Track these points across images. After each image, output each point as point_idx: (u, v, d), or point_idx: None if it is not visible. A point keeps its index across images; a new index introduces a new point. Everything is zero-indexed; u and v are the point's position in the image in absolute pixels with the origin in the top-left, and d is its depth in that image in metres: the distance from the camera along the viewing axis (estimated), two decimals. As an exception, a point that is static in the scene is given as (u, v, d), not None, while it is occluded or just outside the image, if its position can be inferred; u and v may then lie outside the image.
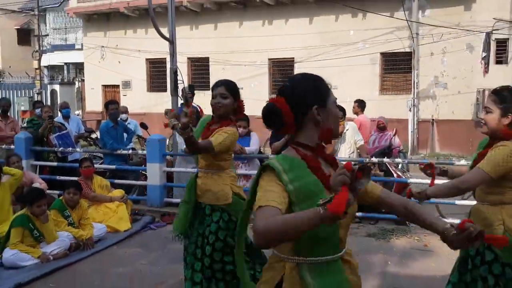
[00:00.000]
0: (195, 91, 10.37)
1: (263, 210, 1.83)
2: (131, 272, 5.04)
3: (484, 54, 15.03)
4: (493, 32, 15.10)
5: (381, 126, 9.25)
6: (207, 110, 11.96)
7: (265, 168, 2.02)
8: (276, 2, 18.05)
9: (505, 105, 3.05)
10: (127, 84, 21.93)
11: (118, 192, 6.96)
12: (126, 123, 9.34)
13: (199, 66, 20.28)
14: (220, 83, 4.01)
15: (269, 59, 18.73)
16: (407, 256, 5.34)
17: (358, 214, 6.70)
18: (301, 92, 2.12)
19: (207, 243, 3.71)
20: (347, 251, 2.11)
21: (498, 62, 15.66)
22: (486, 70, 15.05)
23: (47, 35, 29.09)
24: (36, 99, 22.93)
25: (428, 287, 4.50)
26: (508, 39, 15.43)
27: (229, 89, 3.93)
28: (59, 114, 9.43)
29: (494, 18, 15.10)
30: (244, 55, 18.64)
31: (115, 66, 21.81)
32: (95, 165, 7.34)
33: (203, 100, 12.37)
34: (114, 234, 6.31)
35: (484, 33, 14.97)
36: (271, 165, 1.99)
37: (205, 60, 19.96)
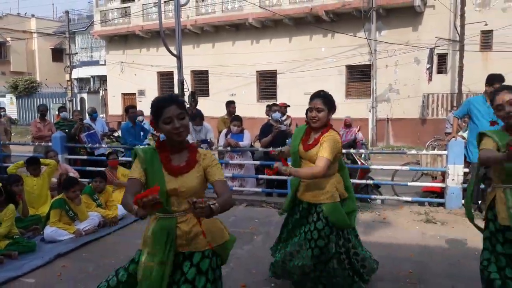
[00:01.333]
0: (198, 98, 10.32)
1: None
2: (148, 243, 5.05)
3: (428, 66, 15.14)
4: (436, 48, 15.22)
5: (347, 124, 9.33)
6: (207, 113, 11.97)
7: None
8: (262, 26, 18.04)
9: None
10: (142, 93, 21.83)
11: (131, 179, 6.92)
12: (142, 124, 9.30)
13: (200, 77, 20.21)
14: (316, 96, 3.33)
15: (256, 71, 18.72)
16: (370, 227, 5.36)
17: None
18: None
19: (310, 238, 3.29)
20: None
21: (440, 72, 15.80)
22: (430, 79, 15.16)
23: (76, 53, 28.89)
24: (67, 106, 22.88)
25: (386, 251, 4.54)
26: (447, 53, 15.57)
27: (325, 102, 3.29)
28: (88, 117, 9.36)
29: (436, 37, 15.22)
30: (236, 68, 18.63)
31: (132, 78, 21.72)
32: (119, 158, 7.31)
33: (204, 106, 12.37)
34: (134, 213, 6.29)
35: (428, 49, 15.09)
36: None
37: (205, 73, 19.91)
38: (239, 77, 18.67)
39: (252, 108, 17.98)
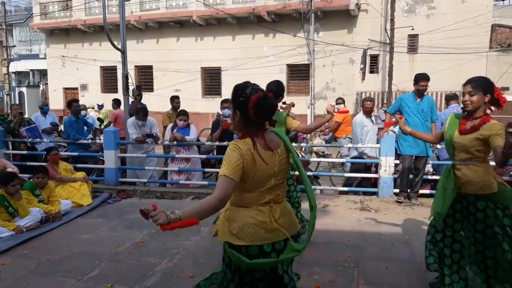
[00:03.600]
0: (142, 93, 10.01)
1: None
2: (94, 237, 4.83)
3: (361, 66, 15.69)
4: (368, 49, 15.80)
5: (289, 120, 9.45)
6: (152, 108, 11.61)
7: None
8: (206, 23, 17.82)
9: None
10: (84, 87, 20.86)
11: (81, 174, 6.61)
12: (85, 118, 8.89)
13: (145, 72, 19.61)
14: (467, 82, 3.04)
15: (201, 67, 18.49)
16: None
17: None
18: None
19: (475, 231, 3.01)
20: None
21: (372, 72, 16.43)
22: (363, 78, 15.72)
23: (14, 46, 27.04)
24: (4, 100, 21.44)
25: (326, 238, 4.65)
26: (379, 54, 16.23)
27: (476, 85, 2.97)
28: (39, 111, 8.71)
29: (369, 39, 15.81)
30: (181, 64, 18.28)
31: (74, 72, 20.67)
32: (61, 153, 6.93)
33: (148, 101, 12.03)
34: (78, 208, 5.99)
35: (362, 50, 15.64)
36: None
37: (150, 68, 19.36)
38: (184, 73, 18.35)
39: (197, 104, 17.77)
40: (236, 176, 2.02)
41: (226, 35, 17.83)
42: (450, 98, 7.31)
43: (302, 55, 16.77)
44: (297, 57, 16.76)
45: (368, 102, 6.86)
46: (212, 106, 16.75)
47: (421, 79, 5.67)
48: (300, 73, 17.28)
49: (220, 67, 17.97)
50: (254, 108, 2.09)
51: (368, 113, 6.87)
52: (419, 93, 5.79)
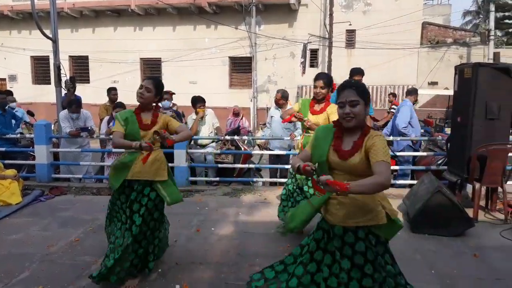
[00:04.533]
0: (76, 84, 9.54)
1: None
2: (24, 237, 4.55)
3: (302, 60, 16.02)
4: (308, 43, 16.15)
5: (236, 113, 9.47)
6: (88, 100, 11.11)
7: None
8: (145, 13, 17.30)
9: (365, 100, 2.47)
10: (13, 78, 19.50)
11: (11, 172, 6.18)
12: (14, 111, 8.32)
13: (80, 63, 18.70)
14: (318, 77, 3.86)
15: (140, 58, 17.95)
16: (253, 208, 5.52)
17: (216, 178, 6.81)
18: None
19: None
20: None
21: (312, 66, 16.81)
22: (303, 72, 16.06)
23: None
24: None
25: (266, 228, 4.71)
26: (318, 49, 16.63)
27: (325, 82, 4.01)
28: None
29: (309, 34, 16.15)
30: (118, 54, 17.64)
31: (1, 62, 19.25)
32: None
33: (84, 92, 11.50)
34: (6, 207, 5.62)
35: (302, 44, 15.95)
36: None
37: (85, 58, 18.49)
38: (122, 64, 17.72)
39: (136, 96, 17.28)
40: None
41: (166, 25, 17.43)
42: (409, 92, 7.29)
43: (245, 48, 16.80)
44: (240, 50, 16.77)
45: (277, 94, 6.85)
46: (152, 99, 16.32)
47: (356, 73, 5.90)
48: (242, 66, 17.30)
49: (160, 58, 17.55)
50: None
51: (278, 104, 6.72)
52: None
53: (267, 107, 16.88)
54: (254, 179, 6.84)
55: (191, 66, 16.66)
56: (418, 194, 4.87)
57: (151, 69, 18.17)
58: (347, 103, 2.37)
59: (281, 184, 6.90)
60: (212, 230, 4.69)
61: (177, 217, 4.81)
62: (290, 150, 6.73)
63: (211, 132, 6.88)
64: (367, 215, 2.37)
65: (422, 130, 11.34)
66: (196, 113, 6.69)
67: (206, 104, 6.87)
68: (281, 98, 6.69)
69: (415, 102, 7.15)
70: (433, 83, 16.39)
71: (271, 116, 6.89)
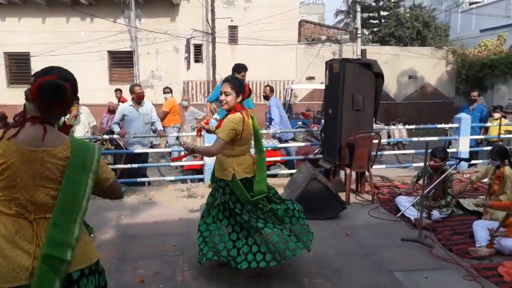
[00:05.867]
0: None
1: None
2: None
3: (186, 55, 15.88)
4: (192, 38, 16.04)
5: (111, 109, 8.99)
6: None
7: None
8: (8, 2, 15.46)
9: (238, 89, 3.32)
10: None
11: None
12: None
13: None
14: (224, 80, 3.43)
15: (4, 52, 16.06)
16: (137, 209, 5.33)
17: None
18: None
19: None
20: None
21: (197, 61, 16.75)
22: (188, 67, 15.94)
23: None
24: None
25: (152, 230, 4.59)
26: (202, 44, 16.62)
27: (232, 87, 3.33)
28: None
29: (192, 28, 16.04)
30: (-23, 48, 15.58)
31: None
32: None
33: None
34: None
35: (185, 39, 15.79)
36: None
37: None
38: (-18, 59, 15.70)
39: (2, 94, 15.51)
40: None
41: (34, 17, 15.84)
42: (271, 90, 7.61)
43: (125, 42, 16.05)
44: (119, 44, 15.97)
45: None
46: (22, 97, 14.76)
47: (240, 69, 6.07)
48: (123, 60, 16.52)
49: (29, 52, 15.90)
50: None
51: (138, 99, 6.37)
52: (240, 82, 6.15)
53: (152, 103, 16.42)
54: (138, 180, 6.58)
55: (66, 61, 15.35)
56: (297, 182, 5.17)
57: (19, 64, 16.39)
58: (223, 93, 3.31)
59: (168, 182, 6.78)
60: (91, 236, 4.41)
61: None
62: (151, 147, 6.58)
63: (87, 131, 6.47)
64: (223, 172, 3.32)
65: (300, 122, 12.11)
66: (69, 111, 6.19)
67: (84, 102, 6.42)
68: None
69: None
70: (310, 78, 17.51)
71: (124, 115, 6.28)
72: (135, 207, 5.44)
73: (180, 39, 15.93)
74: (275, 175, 7.03)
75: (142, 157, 6.56)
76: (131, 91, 6.31)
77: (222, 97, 3.31)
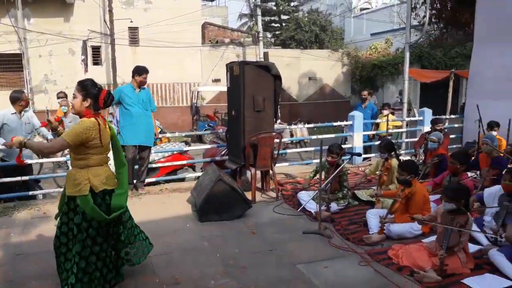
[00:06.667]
0: None
1: None
2: None
3: (83, 57, 15.01)
4: (89, 40, 15.21)
5: None
6: None
7: None
8: None
9: (84, 92, 3.11)
10: None
11: None
12: None
13: None
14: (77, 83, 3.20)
15: None
16: (29, 225, 4.90)
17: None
18: None
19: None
20: None
21: (96, 63, 15.96)
22: (86, 70, 15.07)
23: None
24: None
25: (45, 245, 4.25)
26: (100, 46, 15.84)
27: (79, 88, 3.12)
28: None
29: (88, 30, 15.21)
30: None
31: None
32: None
33: None
34: None
35: (82, 41, 14.92)
36: None
37: None
38: None
39: None
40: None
41: None
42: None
43: (12, 44, 14.72)
44: (5, 45, 14.58)
45: (24, 94, 6.03)
46: None
47: (145, 71, 5.91)
48: (11, 63, 15.11)
49: None
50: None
51: (27, 105, 5.93)
52: (140, 84, 5.97)
53: (47, 110, 15.25)
54: (30, 193, 6.04)
55: None
56: (203, 184, 5.16)
57: None
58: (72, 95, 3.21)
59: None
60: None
61: None
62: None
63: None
64: (76, 188, 3.05)
65: (206, 125, 12.13)
66: None
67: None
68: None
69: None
70: (216, 80, 17.61)
71: (3, 124, 5.67)
72: (27, 222, 5.00)
73: (75, 40, 15.01)
74: (182, 179, 6.95)
75: (28, 169, 6.06)
76: (18, 98, 5.77)
77: (71, 100, 3.23)
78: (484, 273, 3.43)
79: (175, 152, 6.86)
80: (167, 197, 5.91)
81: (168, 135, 7.60)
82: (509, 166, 4.93)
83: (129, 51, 15.97)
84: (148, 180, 6.38)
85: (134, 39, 16.15)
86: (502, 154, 5.36)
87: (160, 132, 7.84)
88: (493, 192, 4.20)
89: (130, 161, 5.96)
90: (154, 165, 6.63)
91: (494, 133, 6.80)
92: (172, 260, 3.83)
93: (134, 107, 5.90)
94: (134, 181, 6.10)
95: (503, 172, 4.04)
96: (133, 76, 6.01)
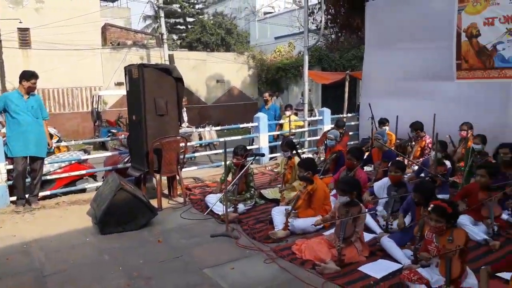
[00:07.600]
0: None
1: None
2: None
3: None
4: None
5: None
6: None
7: None
8: None
9: None
10: None
11: None
12: None
13: None
14: None
15: None
16: None
17: None
18: None
19: None
20: None
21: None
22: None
23: None
24: None
25: None
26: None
27: None
28: None
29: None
30: None
31: None
32: None
33: None
34: None
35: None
36: None
37: None
38: None
39: None
40: None
41: None
42: None
43: None
44: None
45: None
46: None
47: (34, 76, 5.45)
48: None
49: None
50: None
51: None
52: (29, 90, 5.50)
53: None
54: None
55: None
56: (103, 195, 4.89)
57: None
58: None
59: None
60: None
61: None
62: None
63: None
64: None
65: (114, 131, 11.56)
66: None
67: None
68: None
69: None
70: (119, 84, 16.86)
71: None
72: None
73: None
74: (83, 190, 6.52)
75: None
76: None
77: None
78: (378, 259, 3.69)
79: (72, 162, 6.41)
80: (65, 211, 5.50)
81: (63, 143, 7.08)
82: (397, 159, 5.39)
83: (20, 53, 14.66)
84: (42, 193, 5.89)
85: (25, 41, 14.87)
86: (390, 148, 5.84)
87: (58, 141, 7.30)
88: (381, 185, 4.55)
89: (21, 173, 5.46)
90: (49, 177, 6.13)
91: (386, 128, 7.41)
92: (69, 277, 3.57)
93: (22, 115, 5.42)
94: (27, 195, 5.59)
95: (389, 164, 4.40)
96: (20, 82, 5.52)
